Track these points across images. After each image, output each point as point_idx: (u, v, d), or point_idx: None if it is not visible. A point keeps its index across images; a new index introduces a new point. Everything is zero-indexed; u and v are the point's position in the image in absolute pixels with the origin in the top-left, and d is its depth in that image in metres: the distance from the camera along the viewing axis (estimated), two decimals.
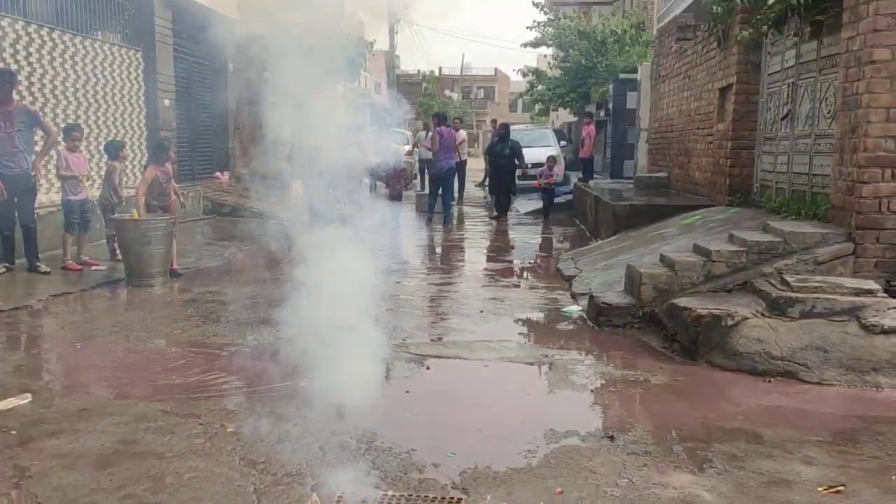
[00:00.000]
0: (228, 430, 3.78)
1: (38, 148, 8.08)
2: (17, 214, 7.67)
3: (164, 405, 4.14)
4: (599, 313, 6.15)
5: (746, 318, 5.15)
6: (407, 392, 4.51)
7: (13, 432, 3.72)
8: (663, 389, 4.61)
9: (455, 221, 13.90)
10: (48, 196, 9.25)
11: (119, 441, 3.62)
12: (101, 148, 10.00)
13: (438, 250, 10.84)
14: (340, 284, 7.49)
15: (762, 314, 5.21)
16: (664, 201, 10.75)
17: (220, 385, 4.61)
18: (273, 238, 11.05)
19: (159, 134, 12.33)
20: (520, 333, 5.95)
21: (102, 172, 9.59)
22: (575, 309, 6.69)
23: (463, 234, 12.63)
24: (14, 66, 8.96)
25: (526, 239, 12.08)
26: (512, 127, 22.33)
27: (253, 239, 11.22)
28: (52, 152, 8.34)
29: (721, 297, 5.65)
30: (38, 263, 7.81)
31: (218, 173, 15.69)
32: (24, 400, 4.19)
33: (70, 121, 9.94)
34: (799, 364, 4.85)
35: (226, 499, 3.04)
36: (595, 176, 18.56)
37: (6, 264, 7.69)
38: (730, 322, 5.13)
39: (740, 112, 8.97)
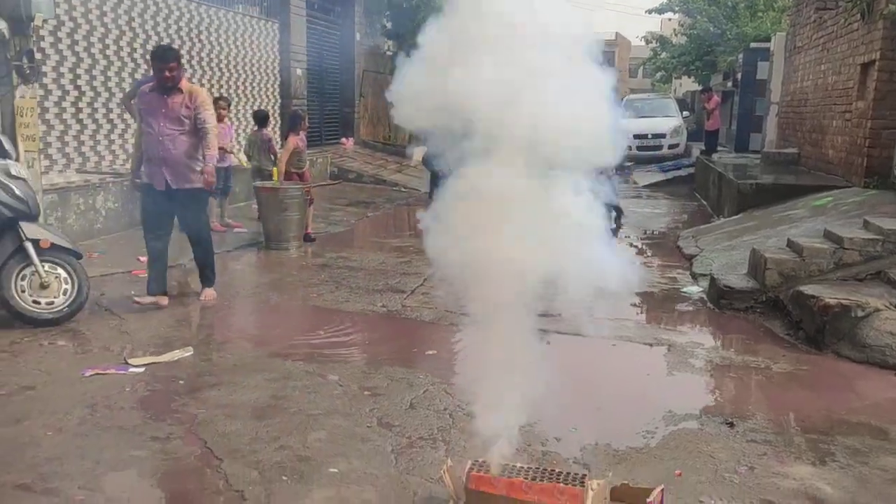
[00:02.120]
0: (365, 392, 4.12)
1: None
2: None
3: (307, 365, 4.53)
4: (721, 296, 6.13)
5: (879, 310, 5.04)
6: (528, 364, 4.70)
7: (181, 382, 4.21)
8: (786, 378, 4.62)
9: None
10: None
11: (271, 396, 4.03)
12: (251, 115, 10.70)
13: None
14: (459, 255, 7.77)
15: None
16: (793, 180, 10.40)
17: (355, 349, 4.98)
18: (397, 205, 11.52)
19: (291, 103, 12.95)
20: (639, 312, 6.03)
21: (243, 140, 10.26)
22: (695, 290, 6.69)
23: None
24: (165, 39, 9.68)
25: (644, 213, 11.97)
26: (632, 96, 21.95)
27: (377, 205, 11.71)
28: None
29: (851, 287, 5.52)
30: None
31: (344, 139, 16.30)
32: (187, 353, 4.69)
33: (214, 91, 10.63)
34: None
35: (367, 456, 3.36)
36: (719, 149, 18.01)
37: None
38: (860, 313, 5.04)
39: (883, 90, 8.54)
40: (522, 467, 2.92)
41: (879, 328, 4.94)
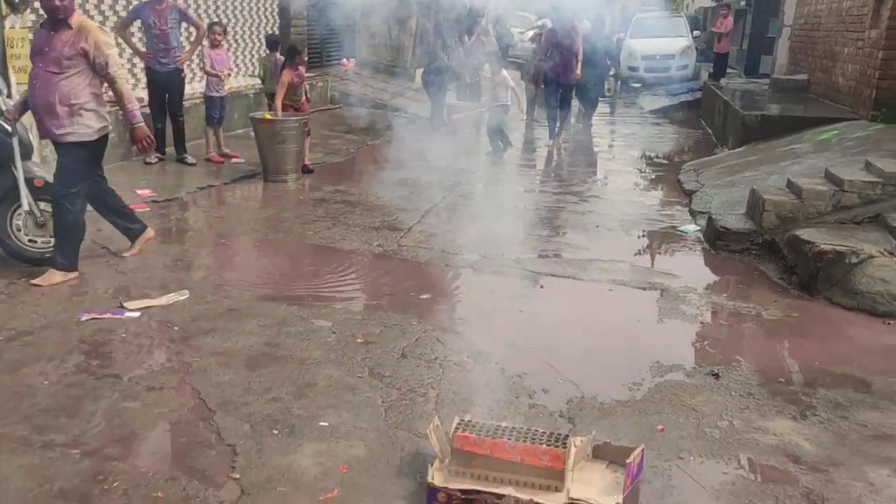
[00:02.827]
0: (358, 340, 4.17)
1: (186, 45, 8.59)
2: (167, 108, 8.26)
3: (302, 310, 4.58)
4: (717, 237, 6.12)
5: (872, 257, 5.03)
6: (521, 312, 4.76)
7: (175, 328, 4.26)
8: (775, 325, 4.66)
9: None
10: (190, 86, 9.81)
11: (265, 343, 4.09)
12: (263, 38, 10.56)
13: (555, 155, 10.77)
14: (459, 192, 7.74)
15: (890, 253, 5.08)
16: (801, 111, 10.21)
17: (350, 292, 5.02)
18: (397, 133, 11.38)
19: (291, 23, 12.63)
20: (634, 253, 6.02)
21: (238, 64, 10.05)
22: (692, 228, 6.68)
23: (582, 137, 12.46)
24: None
25: (647, 142, 11.81)
26: (641, 14, 21.26)
27: (377, 132, 11.57)
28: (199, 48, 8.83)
29: (848, 231, 5.50)
30: (186, 155, 8.44)
31: (344, 60, 15.94)
32: (183, 296, 4.73)
33: (209, 14, 10.35)
34: None
35: (358, 409, 3.44)
36: (728, 72, 17.61)
37: (159, 154, 8.35)
38: (854, 260, 5.03)
39: None
40: (507, 427, 2.97)
41: (872, 275, 4.95)
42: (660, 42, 19.73)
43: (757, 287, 5.31)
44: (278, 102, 8.04)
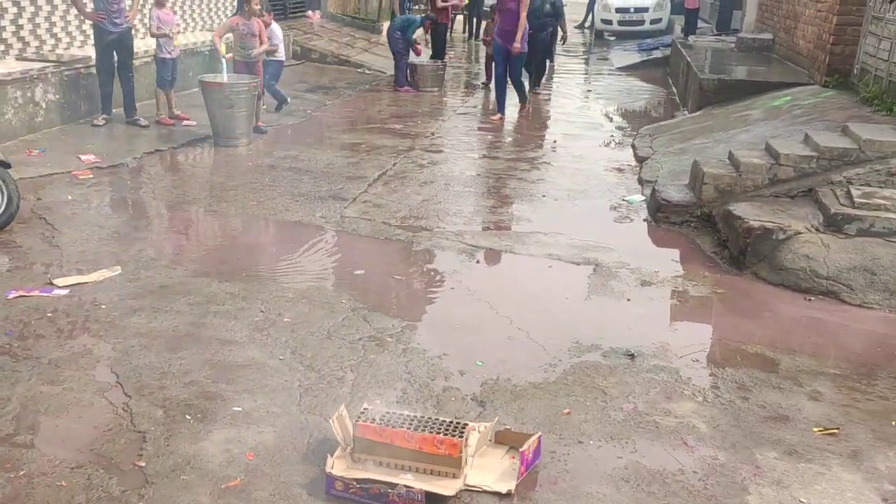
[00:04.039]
0: (285, 319, 4.23)
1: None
2: (115, 68, 8.11)
3: (233, 286, 4.62)
4: (658, 209, 6.20)
5: (799, 233, 5.14)
6: (452, 289, 4.83)
7: (103, 307, 4.29)
8: (700, 302, 4.77)
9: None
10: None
11: (190, 323, 4.14)
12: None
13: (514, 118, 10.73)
14: (411, 159, 7.72)
15: (817, 229, 5.19)
16: (759, 74, 10.21)
17: (284, 268, 5.06)
18: (358, 93, 11.24)
19: None
20: (575, 225, 6.07)
21: (193, 18, 9.84)
22: (638, 198, 6.74)
23: (544, 95, 12.40)
24: None
25: (611, 103, 11.78)
26: None
27: (338, 91, 11.45)
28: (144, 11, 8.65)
29: (780, 206, 5.59)
30: (137, 117, 8.33)
31: (310, 12, 15.65)
32: (114, 272, 4.75)
33: None
34: (843, 284, 4.87)
35: (273, 392, 3.51)
36: (701, 27, 17.49)
37: (105, 115, 8.24)
38: (781, 236, 5.14)
39: None
40: (408, 415, 3.07)
41: (797, 251, 5.06)
42: None
43: (689, 262, 5.41)
44: (216, 43, 8.02)
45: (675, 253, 5.59)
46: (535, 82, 12.07)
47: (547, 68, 13.46)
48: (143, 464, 2.97)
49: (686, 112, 10.37)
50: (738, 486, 3.00)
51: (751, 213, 5.38)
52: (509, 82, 9.97)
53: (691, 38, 14.95)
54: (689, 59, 11.31)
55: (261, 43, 8.23)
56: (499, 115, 9.97)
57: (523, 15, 9.39)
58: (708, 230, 5.86)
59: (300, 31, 14.28)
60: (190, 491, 2.84)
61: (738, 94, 9.33)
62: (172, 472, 2.94)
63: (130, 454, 3.03)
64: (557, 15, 12.00)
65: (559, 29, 12.78)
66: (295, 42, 13.74)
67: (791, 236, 5.12)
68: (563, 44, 14.11)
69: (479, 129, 9.69)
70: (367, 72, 13.15)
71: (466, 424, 3.04)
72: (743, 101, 9.13)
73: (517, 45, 9.45)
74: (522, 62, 10.09)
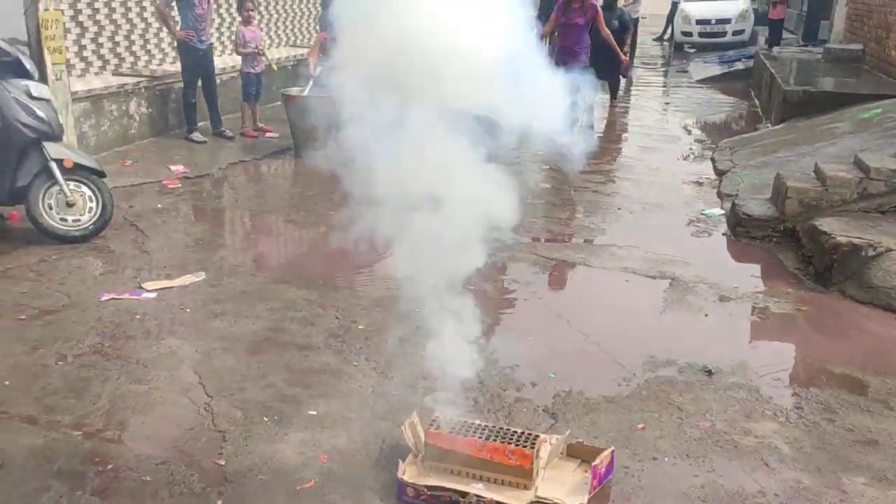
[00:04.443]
0: (359, 326, 4.30)
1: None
2: (201, 84, 8.44)
3: (310, 293, 4.73)
4: (738, 223, 6.03)
5: (890, 250, 4.92)
6: (525, 300, 4.82)
7: (187, 310, 4.46)
8: (782, 319, 4.62)
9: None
10: (221, 60, 10.02)
11: (269, 328, 4.25)
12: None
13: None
14: (482, 174, 7.73)
15: None
16: (849, 85, 9.85)
17: (361, 277, 5.14)
18: None
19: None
20: (651, 238, 5.96)
21: (279, 34, 10.16)
22: (716, 212, 6.59)
23: (620, 108, 12.27)
24: None
25: (690, 115, 11.55)
26: None
27: None
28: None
29: (870, 221, 5.37)
30: (223, 129, 8.63)
31: None
32: (199, 277, 4.93)
33: None
34: None
35: (348, 398, 3.57)
36: (786, 37, 16.98)
37: (198, 130, 8.52)
38: (871, 253, 4.93)
39: None
40: (480, 425, 3.07)
41: (888, 269, 4.84)
42: (715, 5, 19.15)
43: (771, 278, 5.24)
44: (309, 55, 8.39)
45: (755, 268, 5.44)
46: (611, 97, 11.85)
47: (622, 83, 12.98)
48: (223, 462, 3.06)
49: (769, 125, 10.07)
50: None
51: (838, 229, 5.18)
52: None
53: (775, 50, 14.53)
54: (772, 71, 11.00)
55: None
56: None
57: (606, 32, 9.12)
58: (791, 246, 5.67)
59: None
60: (267, 490, 2.91)
61: (824, 106, 9.01)
62: (250, 471, 3.02)
63: (211, 452, 3.13)
64: (625, 30, 11.41)
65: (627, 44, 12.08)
66: None
67: (882, 253, 4.90)
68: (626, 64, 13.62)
69: (552, 140, 9.62)
70: None
71: (538, 436, 3.02)
72: (829, 113, 8.81)
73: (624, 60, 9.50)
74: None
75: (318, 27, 9.64)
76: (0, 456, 3.05)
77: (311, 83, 8.29)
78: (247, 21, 8.51)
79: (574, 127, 9.65)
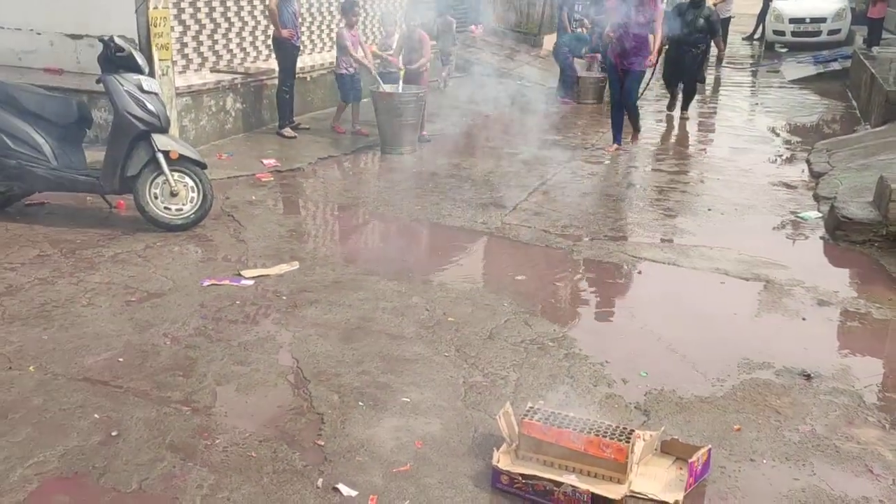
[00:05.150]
0: (449, 319, 4.37)
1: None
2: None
3: (399, 285, 4.82)
4: (837, 226, 5.84)
5: None
6: (614, 298, 4.79)
7: (284, 297, 4.61)
8: (884, 326, 4.45)
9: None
10: (311, 57, 10.28)
11: (361, 317, 4.36)
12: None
13: (675, 128, 10.45)
14: (571, 169, 7.73)
15: None
16: None
17: (448, 269, 5.21)
18: (518, 105, 11.38)
19: None
20: (743, 240, 5.83)
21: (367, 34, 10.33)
22: (813, 215, 6.39)
23: (709, 108, 11.99)
24: None
25: (782, 116, 11.20)
26: None
27: (498, 102, 11.62)
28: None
29: None
30: (298, 122, 8.85)
31: (473, 26, 16.01)
32: (293, 267, 5.09)
33: None
34: None
35: (439, 387, 3.64)
36: (887, 37, 16.23)
37: (291, 126, 8.77)
38: None
39: None
40: (574, 417, 3.08)
41: None
42: (811, 3, 18.46)
43: (872, 283, 5.06)
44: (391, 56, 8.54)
45: (856, 273, 5.25)
46: (684, 105, 10.83)
47: (697, 90, 11.49)
48: (322, 443, 3.17)
49: (868, 127, 9.67)
50: None
51: None
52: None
53: (875, 50, 13.91)
54: (873, 71, 10.55)
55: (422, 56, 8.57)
56: (615, 146, 8.64)
57: (660, 28, 8.28)
58: (894, 251, 5.45)
59: (464, 45, 14.62)
60: (364, 472, 3.00)
61: None
62: (348, 452, 3.11)
63: (310, 433, 3.24)
64: (713, 31, 10.63)
65: (715, 47, 11.49)
66: (458, 56, 14.08)
67: None
68: (720, 64, 13.13)
69: (641, 140, 9.50)
70: (528, 84, 13.25)
71: (633, 430, 3.01)
72: None
73: (652, 57, 8.28)
74: (640, 82, 8.68)
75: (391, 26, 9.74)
76: (117, 427, 3.23)
77: (400, 81, 8.43)
78: (350, 25, 8.65)
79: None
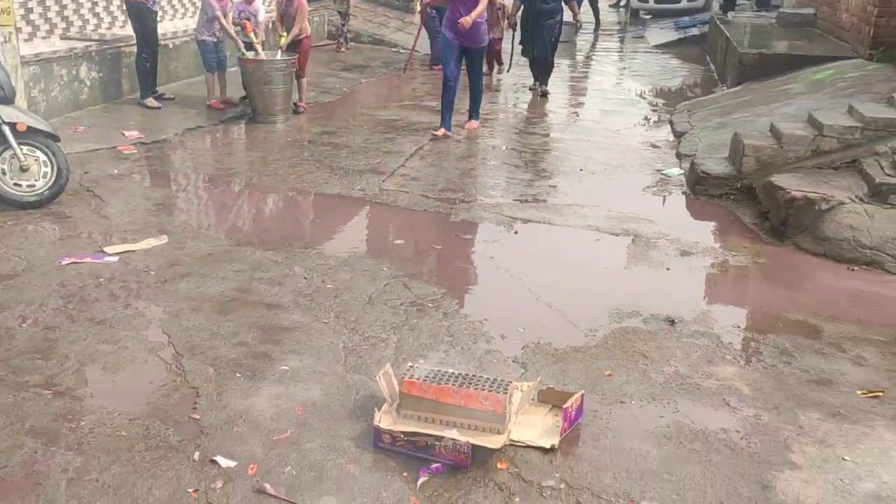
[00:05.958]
0: (328, 285, 4.31)
1: None
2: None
3: (276, 255, 4.71)
4: (697, 181, 6.16)
5: (842, 203, 5.09)
6: (491, 258, 4.87)
7: (152, 273, 4.41)
8: (740, 272, 4.75)
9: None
10: (172, 24, 9.77)
11: (236, 289, 4.23)
12: None
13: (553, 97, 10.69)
14: (450, 138, 7.74)
15: (860, 199, 5.13)
16: (802, 48, 10.04)
17: (326, 237, 5.14)
18: (392, 71, 11.27)
19: None
20: (613, 197, 6.06)
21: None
22: (676, 172, 6.71)
23: (580, 73, 12.33)
24: None
25: (647, 80, 11.67)
26: None
27: (373, 70, 11.50)
28: None
29: (823, 177, 5.53)
30: (161, 92, 8.45)
31: None
32: (162, 241, 4.87)
33: None
34: (888, 254, 4.82)
35: (319, 353, 3.59)
36: (741, 3, 17.15)
37: (154, 95, 8.33)
38: (824, 206, 5.09)
39: None
40: (452, 373, 3.12)
41: (840, 221, 5.01)
42: None
43: (729, 233, 5.38)
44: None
45: (714, 224, 5.57)
46: (543, 81, 10.14)
47: (553, 64, 10.36)
48: (198, 416, 3.07)
49: (725, 88, 10.24)
50: (781, 445, 3.01)
51: (793, 184, 5.34)
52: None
53: (730, 15, 14.69)
54: (728, 35, 11.15)
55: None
56: (442, 130, 7.62)
57: None
58: (748, 202, 5.81)
59: (334, 11, 14.32)
60: (243, 442, 2.93)
61: (778, 68, 9.19)
62: (226, 424, 3.03)
63: (185, 408, 3.13)
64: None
65: (571, 15, 10.46)
66: (330, 22, 13.80)
67: (834, 206, 5.07)
68: (577, 33, 12.42)
69: (514, 105, 9.68)
70: (402, 51, 13.17)
71: (510, 382, 3.08)
72: (784, 75, 8.99)
73: (467, 19, 7.06)
74: (482, 56, 7.94)
75: None
76: None
77: (260, 46, 8.14)
78: None
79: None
